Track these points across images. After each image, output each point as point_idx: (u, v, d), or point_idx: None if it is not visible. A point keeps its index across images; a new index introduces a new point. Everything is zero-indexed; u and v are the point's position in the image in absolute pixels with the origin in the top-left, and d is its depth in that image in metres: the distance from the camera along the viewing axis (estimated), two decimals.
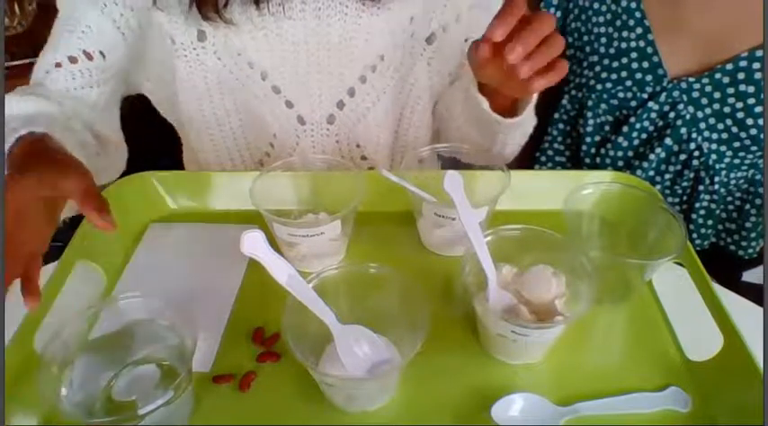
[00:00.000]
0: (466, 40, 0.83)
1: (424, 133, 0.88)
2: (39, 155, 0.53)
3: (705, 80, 0.85)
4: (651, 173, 0.94)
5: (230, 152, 0.86)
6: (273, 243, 0.52)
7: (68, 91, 0.70)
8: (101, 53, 0.71)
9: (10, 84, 0.66)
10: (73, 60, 0.70)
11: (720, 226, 0.98)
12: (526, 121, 0.74)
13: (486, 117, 0.71)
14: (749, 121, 0.85)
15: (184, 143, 0.87)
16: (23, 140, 0.54)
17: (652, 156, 0.93)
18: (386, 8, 0.73)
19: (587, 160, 1.00)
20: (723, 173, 0.92)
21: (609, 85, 0.93)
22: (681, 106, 0.88)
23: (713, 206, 0.94)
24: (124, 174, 0.75)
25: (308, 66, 0.76)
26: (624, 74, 0.91)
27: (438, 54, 0.82)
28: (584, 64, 0.95)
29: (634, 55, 0.89)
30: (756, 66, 0.82)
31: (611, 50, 0.91)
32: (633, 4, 0.87)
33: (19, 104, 0.61)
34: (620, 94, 0.93)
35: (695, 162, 0.91)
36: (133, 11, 0.71)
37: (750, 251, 0.97)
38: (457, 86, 0.83)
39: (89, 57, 0.70)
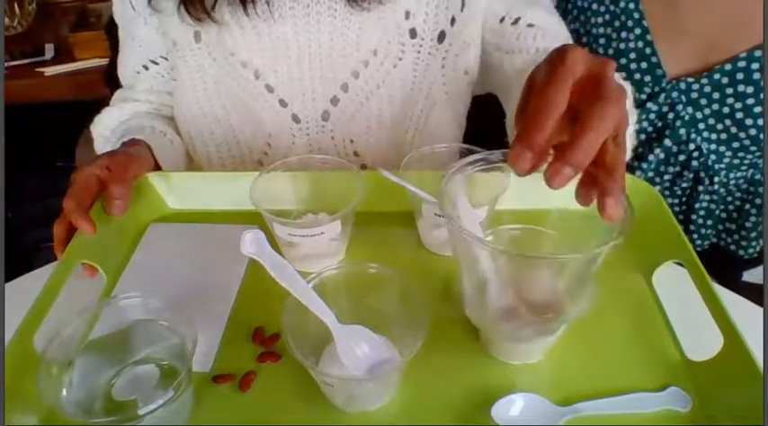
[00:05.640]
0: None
1: (446, 133, 0.84)
2: (122, 153, 0.71)
3: (704, 81, 0.85)
4: (650, 173, 0.94)
5: (231, 150, 0.86)
6: (273, 243, 0.52)
7: (153, 87, 0.85)
8: (162, 57, 0.83)
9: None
10: (146, 68, 0.84)
11: (720, 227, 0.98)
12: None
13: None
14: (748, 122, 0.85)
15: (185, 143, 0.88)
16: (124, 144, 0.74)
17: (651, 157, 0.93)
18: (376, 2, 0.73)
19: None
20: (723, 173, 0.92)
21: None
22: (680, 107, 0.88)
23: (713, 206, 0.94)
24: None
25: (299, 65, 0.76)
26: (623, 74, 0.91)
27: (451, 51, 0.79)
28: None
29: (633, 56, 0.89)
30: (755, 66, 0.82)
31: (610, 51, 0.91)
32: (632, 5, 0.87)
33: (120, 112, 0.84)
34: None
35: (694, 162, 0.91)
36: (155, 15, 0.77)
37: (750, 251, 0.97)
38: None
39: (155, 63, 0.83)
